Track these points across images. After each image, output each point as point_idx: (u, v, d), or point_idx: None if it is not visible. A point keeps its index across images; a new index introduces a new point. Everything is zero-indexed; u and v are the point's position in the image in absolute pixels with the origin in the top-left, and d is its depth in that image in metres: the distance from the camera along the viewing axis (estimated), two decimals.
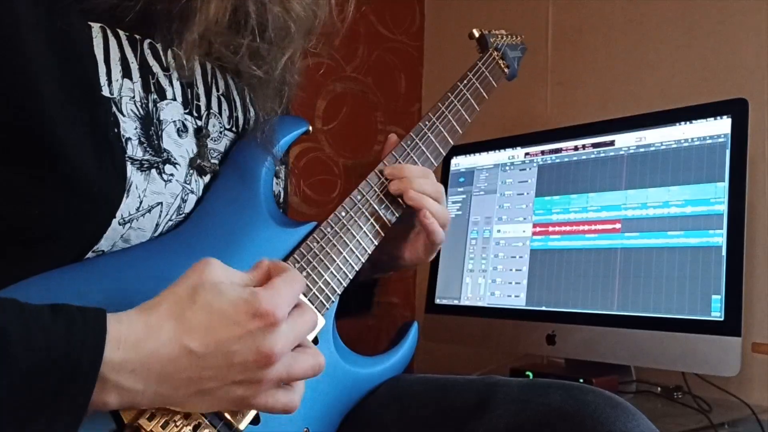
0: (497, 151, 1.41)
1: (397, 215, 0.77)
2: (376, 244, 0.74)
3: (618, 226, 1.18)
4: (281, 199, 0.77)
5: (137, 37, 0.60)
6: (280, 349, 0.50)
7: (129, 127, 0.58)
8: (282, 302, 0.51)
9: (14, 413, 0.43)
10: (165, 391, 0.49)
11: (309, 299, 0.67)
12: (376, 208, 0.75)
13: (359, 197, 0.74)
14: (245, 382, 0.51)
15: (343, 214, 0.72)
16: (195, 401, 0.51)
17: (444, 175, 1.48)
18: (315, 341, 0.66)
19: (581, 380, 1.04)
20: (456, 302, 1.39)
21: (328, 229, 0.71)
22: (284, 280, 0.53)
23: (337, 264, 0.70)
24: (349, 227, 0.72)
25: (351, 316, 0.87)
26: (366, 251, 0.73)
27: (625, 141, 1.22)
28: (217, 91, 0.69)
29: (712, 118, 1.12)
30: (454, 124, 0.86)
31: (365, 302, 0.90)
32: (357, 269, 0.72)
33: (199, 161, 0.64)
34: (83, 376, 0.45)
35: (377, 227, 0.75)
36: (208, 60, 0.67)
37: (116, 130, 0.57)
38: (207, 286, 0.50)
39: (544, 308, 1.24)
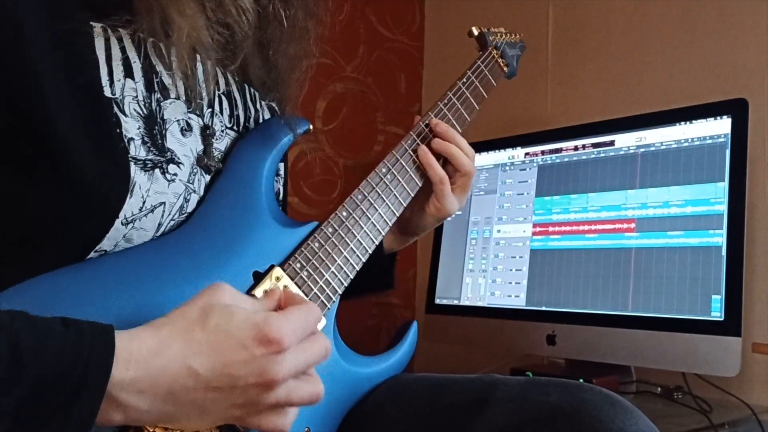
0: (497, 151, 1.41)
1: (404, 204, 0.78)
2: (377, 243, 0.74)
3: (623, 226, 1.18)
4: (280, 197, 0.77)
5: (141, 35, 0.60)
6: (283, 377, 0.50)
7: (131, 127, 0.58)
8: (291, 330, 0.51)
9: (22, 424, 0.43)
10: (169, 411, 0.49)
11: (310, 299, 0.67)
12: (384, 199, 0.76)
13: (360, 197, 0.74)
14: (244, 405, 0.51)
15: (345, 214, 0.72)
16: (195, 421, 0.51)
17: None
18: None
19: (581, 380, 1.03)
20: (456, 302, 1.39)
21: (329, 229, 0.71)
22: (300, 309, 0.54)
23: (338, 264, 0.70)
24: (350, 227, 0.72)
25: (374, 292, 0.88)
26: (367, 251, 0.73)
27: (625, 141, 1.22)
28: (219, 89, 0.69)
29: (712, 118, 1.12)
30: (454, 123, 0.86)
31: (388, 277, 0.90)
32: (358, 269, 0.72)
33: (206, 160, 0.64)
34: (90, 393, 0.45)
35: (378, 226, 0.75)
36: (209, 59, 0.67)
37: (119, 131, 0.57)
38: (217, 309, 0.51)
39: (544, 308, 1.24)
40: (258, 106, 0.75)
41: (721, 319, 1.03)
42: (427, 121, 0.83)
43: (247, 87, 0.74)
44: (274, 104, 0.77)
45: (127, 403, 0.47)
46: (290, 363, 0.51)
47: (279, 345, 0.50)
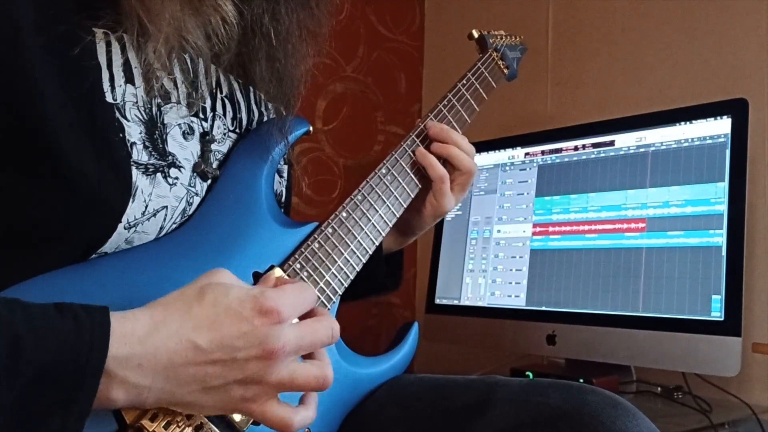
0: (497, 151, 1.41)
1: (405, 206, 0.78)
2: (377, 244, 0.74)
3: (623, 226, 1.18)
4: (282, 198, 0.77)
5: (141, 40, 0.60)
6: (282, 347, 0.50)
7: (134, 132, 0.58)
8: (288, 302, 0.52)
9: (26, 412, 0.44)
10: (170, 387, 0.49)
11: None
12: (385, 201, 0.76)
13: (360, 198, 0.74)
14: (246, 381, 0.51)
15: (344, 214, 0.72)
16: (198, 399, 0.51)
17: None
18: None
19: (581, 380, 1.04)
20: (456, 302, 1.39)
21: (329, 230, 0.71)
22: (294, 285, 0.54)
23: (339, 264, 0.70)
24: (350, 228, 0.72)
25: (380, 293, 0.88)
26: (367, 251, 0.73)
27: (625, 141, 1.22)
28: (221, 93, 0.69)
29: (712, 118, 1.12)
30: (454, 124, 0.86)
31: (395, 277, 0.90)
32: (358, 270, 0.72)
33: (202, 166, 0.64)
34: (90, 373, 0.45)
35: (378, 227, 0.75)
36: (213, 62, 0.67)
37: (121, 135, 0.57)
38: (213, 286, 0.51)
39: (544, 308, 1.25)
40: (263, 108, 0.75)
41: (721, 319, 1.03)
42: (426, 122, 0.83)
43: (251, 89, 0.74)
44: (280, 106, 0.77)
45: (125, 378, 0.47)
46: (290, 336, 0.51)
47: (278, 315, 0.50)
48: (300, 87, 0.73)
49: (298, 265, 0.67)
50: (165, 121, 0.61)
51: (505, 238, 1.35)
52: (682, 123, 1.15)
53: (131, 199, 0.57)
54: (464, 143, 0.83)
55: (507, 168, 1.39)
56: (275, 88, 0.72)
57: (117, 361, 0.46)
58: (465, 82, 0.89)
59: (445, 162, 0.82)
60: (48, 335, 0.44)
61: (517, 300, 1.29)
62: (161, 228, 0.61)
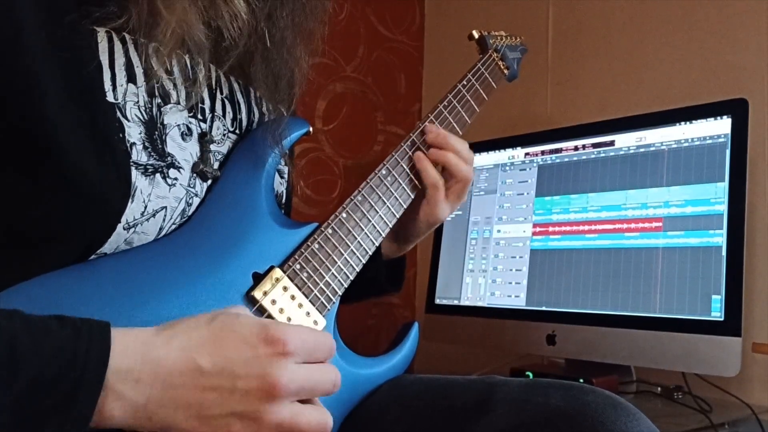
0: (497, 151, 1.41)
1: (405, 206, 0.78)
2: (377, 244, 0.74)
3: (623, 226, 1.18)
4: (283, 199, 0.77)
5: (143, 40, 0.60)
6: (285, 383, 0.49)
7: (133, 132, 0.58)
8: (296, 336, 0.51)
9: (21, 420, 0.43)
10: (166, 411, 0.48)
11: (310, 300, 0.67)
12: (385, 202, 0.76)
13: (360, 198, 0.74)
14: (245, 416, 0.49)
15: (344, 215, 0.72)
16: (194, 428, 0.49)
17: None
18: None
19: (581, 380, 1.04)
20: (456, 302, 1.39)
21: (329, 230, 0.71)
22: (310, 327, 0.54)
23: (338, 265, 0.70)
24: (350, 228, 0.72)
25: (381, 294, 0.88)
26: (367, 252, 0.73)
27: (625, 141, 1.22)
28: (221, 93, 0.69)
29: (712, 118, 1.12)
30: (455, 125, 0.86)
31: (397, 278, 0.90)
32: (358, 270, 0.72)
33: (201, 166, 0.64)
34: (88, 384, 0.45)
35: (378, 228, 0.75)
36: (212, 63, 0.67)
37: (121, 135, 0.57)
38: (227, 313, 0.52)
39: (544, 308, 1.25)
40: (264, 109, 0.75)
41: (721, 319, 1.03)
42: (424, 127, 0.83)
43: (251, 90, 0.74)
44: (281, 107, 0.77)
45: (122, 393, 0.47)
46: (294, 373, 0.50)
47: (283, 345, 0.49)
48: (296, 88, 0.73)
49: (298, 266, 0.67)
50: (165, 122, 0.61)
51: (505, 238, 1.35)
52: (682, 123, 1.15)
53: (130, 200, 0.57)
54: (463, 149, 0.82)
55: (507, 168, 1.39)
56: (272, 89, 0.71)
57: (117, 375, 0.46)
58: (465, 83, 0.89)
59: (443, 168, 0.82)
60: (45, 341, 0.44)
61: (517, 300, 1.29)
62: (160, 228, 0.61)
